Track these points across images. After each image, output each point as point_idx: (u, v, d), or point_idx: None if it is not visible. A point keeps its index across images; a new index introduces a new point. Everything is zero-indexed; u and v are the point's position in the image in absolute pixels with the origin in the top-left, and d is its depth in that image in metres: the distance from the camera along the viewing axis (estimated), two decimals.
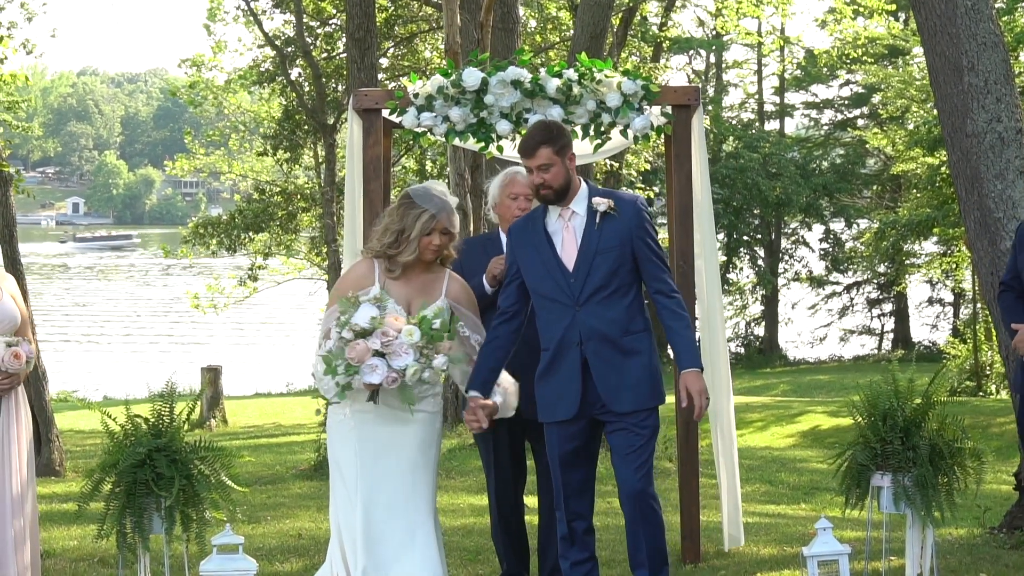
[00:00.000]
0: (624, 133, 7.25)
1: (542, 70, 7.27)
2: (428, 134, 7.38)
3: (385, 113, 7.44)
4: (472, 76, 7.12)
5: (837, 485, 6.68)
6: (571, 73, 7.19)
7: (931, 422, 6.40)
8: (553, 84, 7.13)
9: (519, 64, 7.25)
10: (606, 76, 7.19)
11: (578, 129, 7.28)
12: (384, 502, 5.75)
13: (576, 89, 7.15)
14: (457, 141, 7.32)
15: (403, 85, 7.28)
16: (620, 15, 24.57)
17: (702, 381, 5.81)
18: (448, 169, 16.05)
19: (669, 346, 5.91)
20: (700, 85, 40.48)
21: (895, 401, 6.40)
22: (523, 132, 7.30)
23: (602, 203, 5.86)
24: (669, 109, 7.37)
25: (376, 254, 5.88)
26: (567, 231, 5.91)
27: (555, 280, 5.86)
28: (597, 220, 5.86)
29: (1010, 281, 6.72)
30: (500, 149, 7.38)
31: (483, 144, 7.30)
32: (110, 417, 5.98)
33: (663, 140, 7.83)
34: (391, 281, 5.82)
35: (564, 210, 5.93)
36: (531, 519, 6.93)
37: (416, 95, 7.24)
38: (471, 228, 15.68)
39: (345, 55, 20.43)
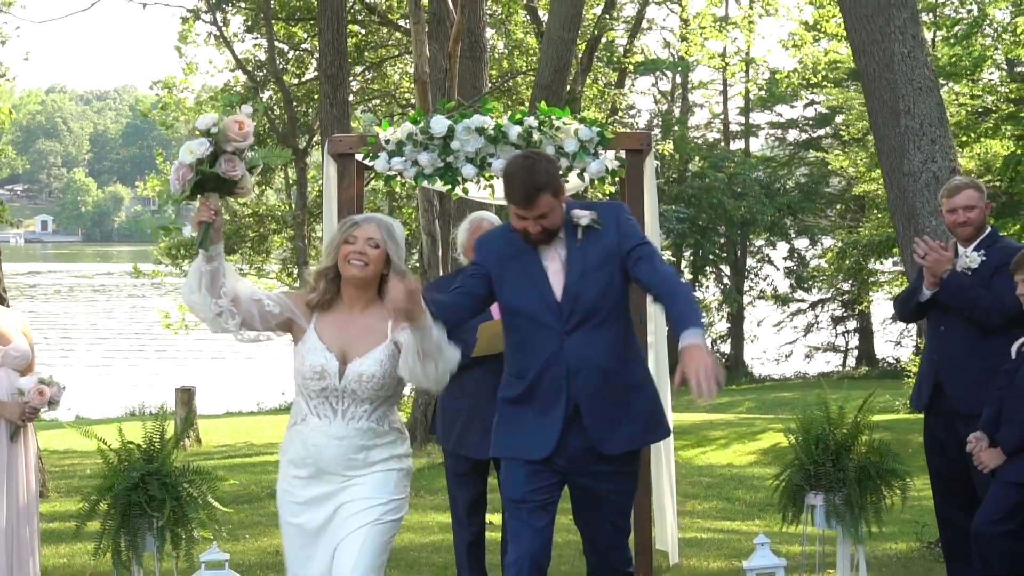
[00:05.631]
0: (581, 176, 7.69)
1: (505, 117, 7.76)
2: (399, 177, 7.86)
3: (359, 157, 7.94)
4: (439, 123, 7.60)
5: (775, 503, 7.23)
6: (532, 120, 7.65)
7: (860, 446, 6.95)
8: (515, 131, 7.59)
9: (483, 112, 7.75)
10: (564, 123, 7.65)
11: None
12: None
13: (536, 135, 7.57)
14: (426, 183, 7.82)
15: (375, 132, 7.76)
16: (585, 42, 25.03)
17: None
18: (416, 193, 16.47)
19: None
20: (666, 106, 41.26)
21: (827, 426, 6.95)
22: (488, 176, 7.82)
23: (584, 216, 5.13)
24: (623, 154, 7.80)
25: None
26: (550, 249, 5.15)
27: (544, 299, 5.09)
28: (579, 235, 5.13)
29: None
30: (466, 191, 7.86)
31: (450, 186, 7.79)
32: (104, 444, 6.43)
33: (617, 182, 8.29)
34: (323, 321, 4.94)
35: None
36: (495, 536, 7.35)
37: (387, 141, 7.72)
38: (439, 252, 16.15)
39: (316, 77, 20.85)
